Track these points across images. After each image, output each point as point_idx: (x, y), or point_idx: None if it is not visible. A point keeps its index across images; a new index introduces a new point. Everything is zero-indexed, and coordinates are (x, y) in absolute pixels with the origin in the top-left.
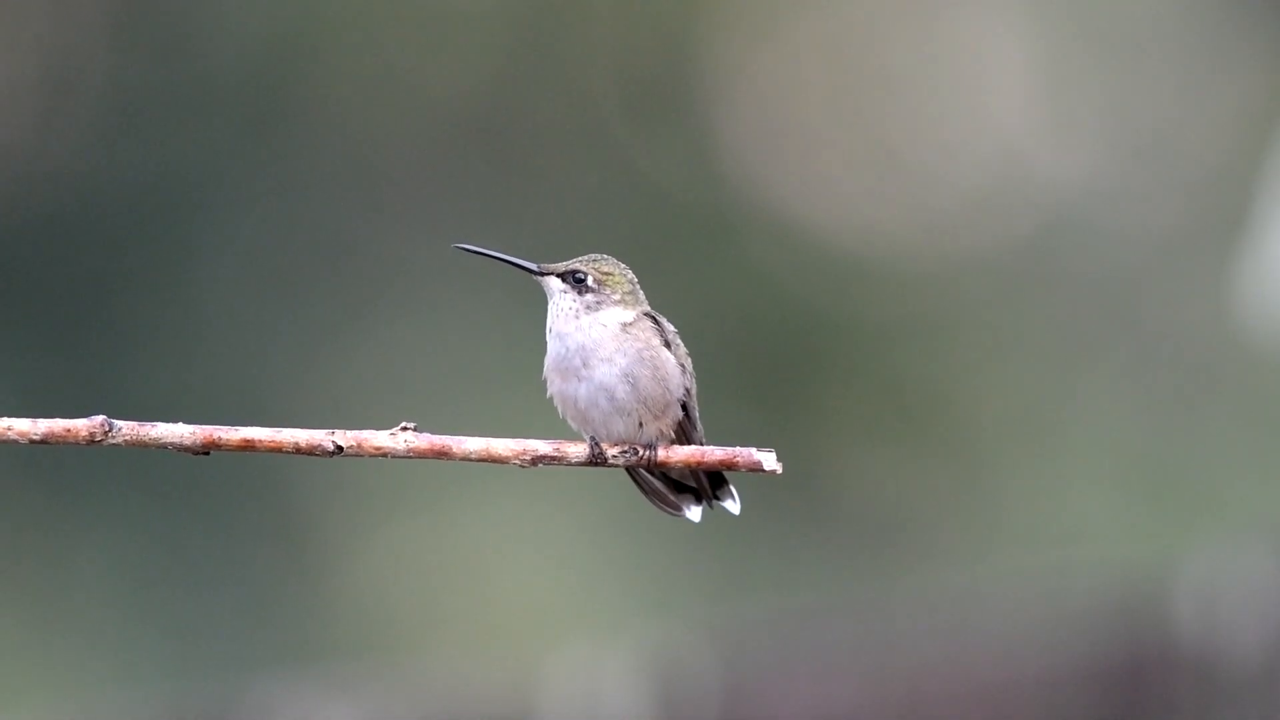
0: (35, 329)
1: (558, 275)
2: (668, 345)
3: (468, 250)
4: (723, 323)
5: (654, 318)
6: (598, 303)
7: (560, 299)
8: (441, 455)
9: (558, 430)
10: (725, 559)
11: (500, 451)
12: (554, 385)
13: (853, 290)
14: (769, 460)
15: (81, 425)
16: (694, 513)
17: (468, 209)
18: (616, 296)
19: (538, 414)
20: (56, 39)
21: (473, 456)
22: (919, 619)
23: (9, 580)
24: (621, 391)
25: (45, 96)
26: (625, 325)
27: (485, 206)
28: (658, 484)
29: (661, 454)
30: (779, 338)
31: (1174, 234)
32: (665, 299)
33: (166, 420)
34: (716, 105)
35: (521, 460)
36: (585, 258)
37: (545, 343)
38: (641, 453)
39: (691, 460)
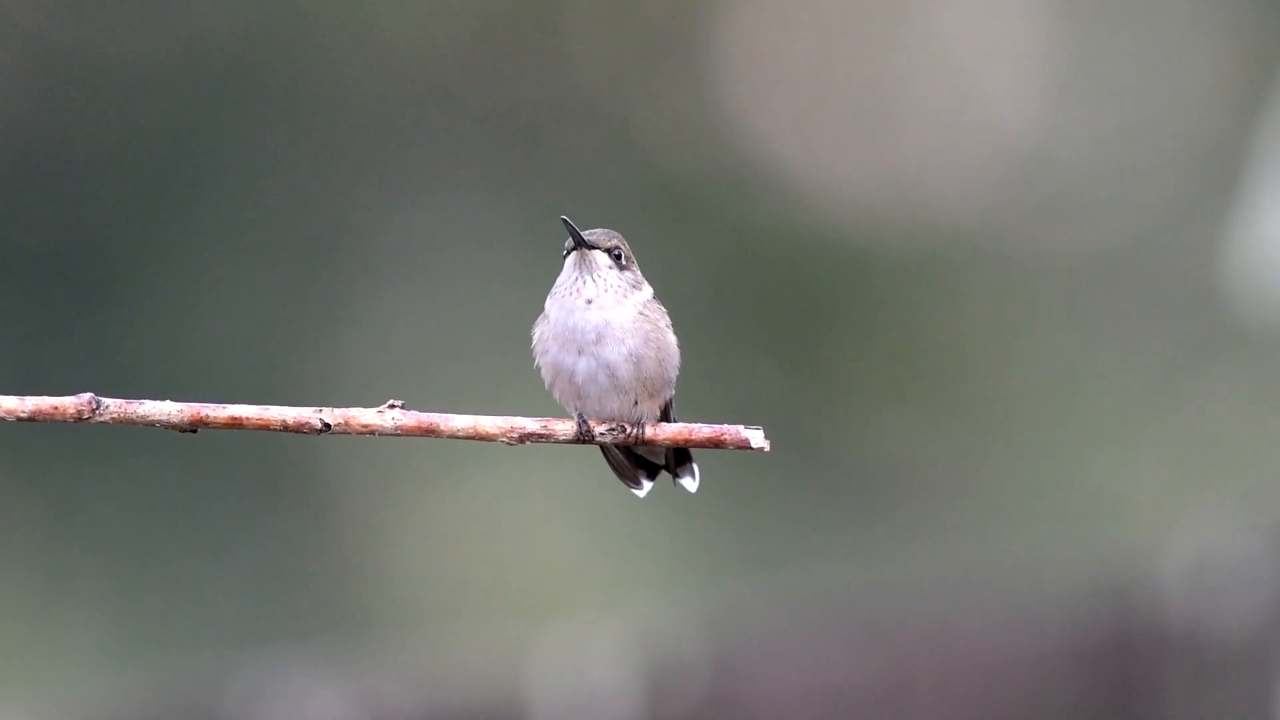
0: (27, 301)
1: (604, 250)
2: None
3: (567, 224)
4: (728, 288)
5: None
6: (638, 282)
7: (607, 274)
8: (429, 433)
9: (544, 407)
10: (715, 536)
11: (487, 429)
12: (549, 355)
13: (859, 258)
14: (756, 438)
15: (69, 403)
16: (644, 489)
17: (465, 178)
18: (641, 276)
19: (527, 391)
20: (48, 3)
21: (460, 434)
22: (910, 596)
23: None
24: (624, 371)
25: (35, 70)
26: (645, 305)
27: (482, 175)
28: (623, 458)
29: (649, 432)
30: (787, 302)
31: (1168, 206)
32: (672, 262)
33: (156, 398)
34: (720, 67)
35: (509, 438)
36: (605, 232)
37: (545, 313)
38: (630, 430)
39: (679, 438)
